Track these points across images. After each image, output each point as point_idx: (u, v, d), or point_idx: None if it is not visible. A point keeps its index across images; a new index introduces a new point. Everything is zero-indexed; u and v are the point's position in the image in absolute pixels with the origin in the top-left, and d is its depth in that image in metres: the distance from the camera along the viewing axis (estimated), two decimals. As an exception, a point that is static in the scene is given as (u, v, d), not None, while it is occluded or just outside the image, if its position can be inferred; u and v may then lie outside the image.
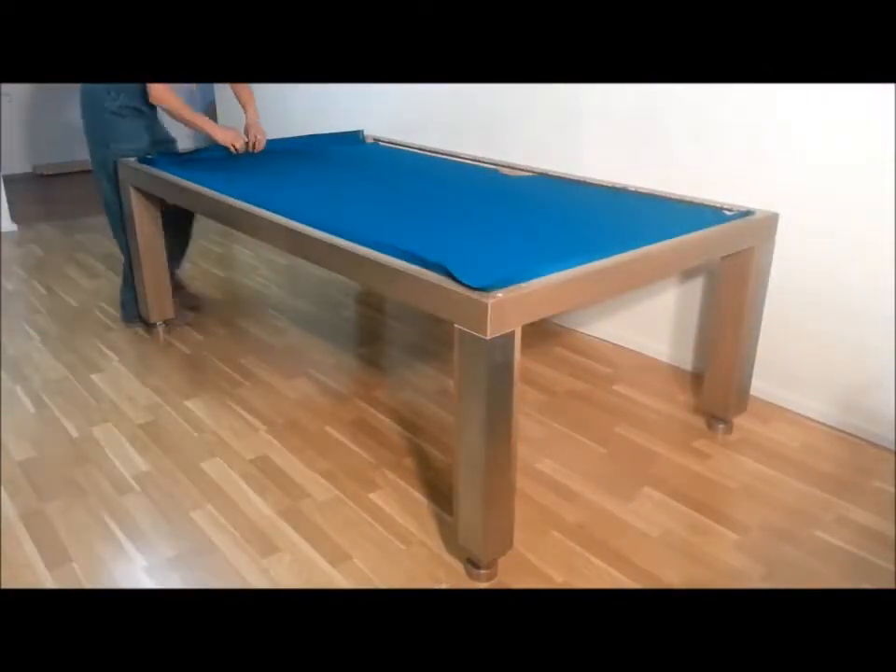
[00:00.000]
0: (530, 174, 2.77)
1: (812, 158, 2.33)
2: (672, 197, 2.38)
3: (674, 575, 1.86)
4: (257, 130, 3.04)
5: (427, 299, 1.69)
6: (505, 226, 2.10)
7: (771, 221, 2.23)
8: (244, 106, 3.13)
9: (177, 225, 3.23)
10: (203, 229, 4.75)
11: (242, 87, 3.15)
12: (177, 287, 3.32)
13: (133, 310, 3.23)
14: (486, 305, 1.52)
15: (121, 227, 3.10)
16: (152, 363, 2.96)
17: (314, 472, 2.26)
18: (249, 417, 2.57)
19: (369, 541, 1.98)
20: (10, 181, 5.48)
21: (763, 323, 2.42)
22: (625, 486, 2.20)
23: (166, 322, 3.18)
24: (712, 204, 2.29)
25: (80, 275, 3.96)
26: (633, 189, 2.48)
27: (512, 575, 1.86)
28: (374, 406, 2.64)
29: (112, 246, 4.41)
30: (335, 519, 2.06)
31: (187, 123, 2.96)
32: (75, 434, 2.47)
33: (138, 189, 2.93)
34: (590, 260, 1.78)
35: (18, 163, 5.98)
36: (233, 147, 2.95)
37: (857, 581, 1.84)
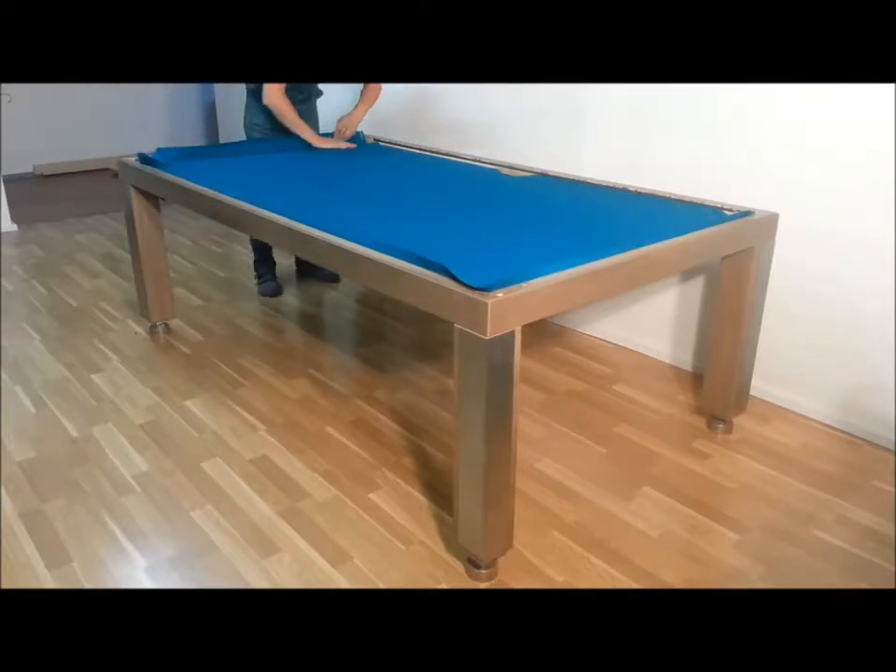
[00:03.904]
0: (530, 174, 2.77)
1: (812, 158, 2.33)
2: (672, 197, 2.38)
3: (674, 575, 1.86)
4: (348, 122, 3.35)
5: (427, 299, 1.69)
6: (505, 226, 2.10)
7: (771, 221, 2.23)
8: (358, 104, 3.39)
9: None
10: (203, 228, 4.76)
11: (370, 92, 3.39)
12: (314, 266, 3.74)
13: (268, 288, 3.67)
14: (486, 305, 1.52)
15: None
16: (152, 363, 2.96)
17: (314, 472, 2.26)
18: (249, 417, 2.57)
19: (369, 541, 1.98)
20: (10, 181, 5.48)
21: (763, 323, 2.42)
22: (625, 486, 2.20)
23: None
24: (712, 204, 2.29)
25: (80, 275, 3.96)
26: (633, 189, 2.48)
27: (512, 575, 1.86)
28: (374, 406, 2.64)
29: (113, 247, 4.43)
30: (335, 519, 2.06)
31: (290, 126, 3.21)
32: (75, 434, 2.47)
33: (138, 189, 2.93)
34: (590, 260, 1.78)
35: (18, 163, 5.99)
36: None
37: (857, 581, 1.84)
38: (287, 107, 3.17)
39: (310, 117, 3.45)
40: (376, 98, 3.39)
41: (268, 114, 3.27)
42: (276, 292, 3.66)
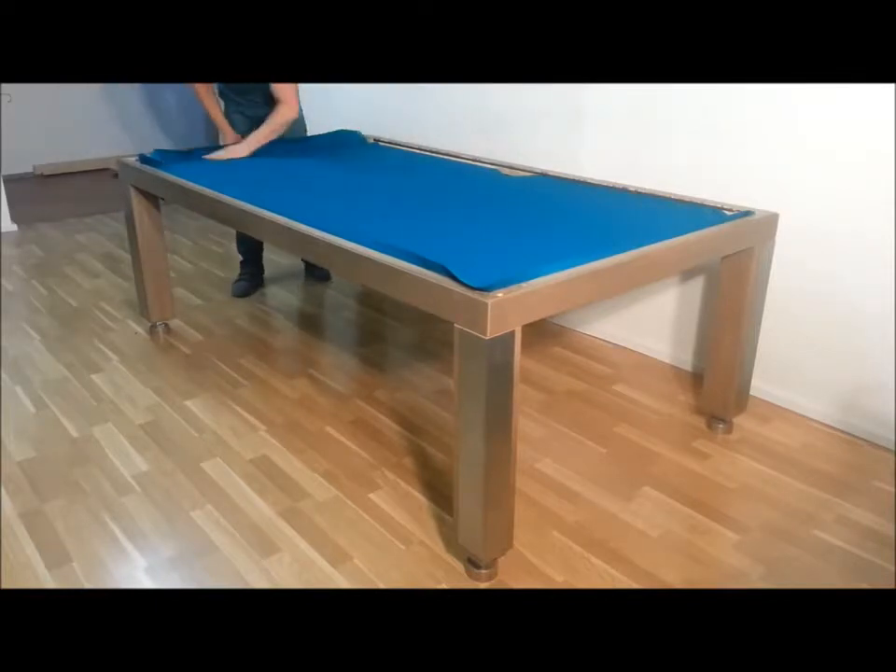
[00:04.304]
0: (530, 174, 2.77)
1: (812, 158, 2.33)
2: (672, 197, 2.38)
3: (674, 575, 1.86)
4: (232, 148, 3.06)
5: (427, 299, 1.69)
6: (505, 226, 2.10)
7: (771, 221, 2.23)
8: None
9: None
10: (203, 228, 4.76)
11: (270, 122, 3.09)
12: (315, 265, 3.81)
13: (238, 288, 3.68)
14: (486, 305, 1.52)
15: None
16: (152, 363, 2.96)
17: (314, 472, 2.26)
18: (249, 417, 2.57)
19: (369, 541, 1.98)
20: (10, 181, 5.48)
21: (763, 323, 2.42)
22: (625, 486, 2.20)
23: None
24: (712, 204, 2.29)
25: (80, 275, 3.96)
26: (633, 189, 2.48)
27: (512, 575, 1.86)
28: (374, 406, 2.64)
29: (113, 247, 4.43)
30: (335, 519, 2.06)
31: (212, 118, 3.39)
32: (75, 434, 2.47)
33: (138, 189, 2.93)
34: (590, 260, 1.78)
35: (18, 163, 5.98)
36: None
37: (857, 581, 1.84)
38: (203, 97, 3.32)
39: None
40: (266, 134, 3.07)
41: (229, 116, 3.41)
42: (244, 293, 3.67)
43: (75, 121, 6.18)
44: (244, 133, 3.25)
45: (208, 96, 3.33)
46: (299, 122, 3.47)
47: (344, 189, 2.57)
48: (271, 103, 3.18)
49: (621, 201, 2.37)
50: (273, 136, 3.09)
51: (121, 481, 2.23)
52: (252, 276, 3.74)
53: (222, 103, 3.43)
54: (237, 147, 3.07)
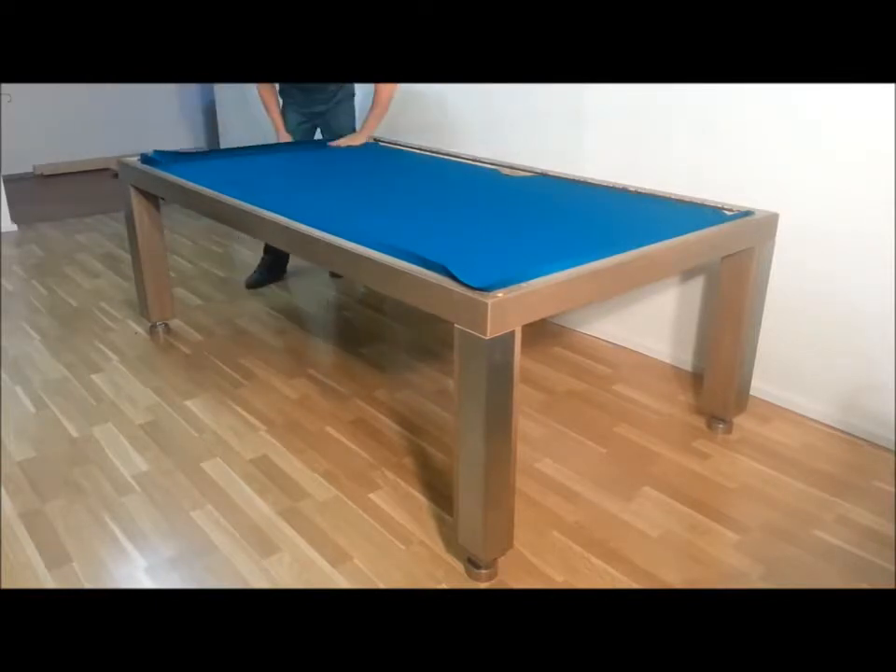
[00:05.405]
0: (530, 174, 2.77)
1: (812, 158, 2.33)
2: (672, 197, 2.38)
3: (674, 575, 1.86)
4: (347, 139, 3.32)
5: (427, 299, 1.69)
6: (505, 226, 2.10)
7: (771, 221, 2.23)
8: (365, 121, 3.37)
9: None
10: (203, 228, 4.76)
11: (374, 110, 3.32)
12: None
13: (256, 280, 3.77)
14: (486, 305, 1.52)
15: None
16: (152, 363, 2.96)
17: (314, 472, 2.26)
18: (249, 417, 2.57)
19: (369, 541, 1.98)
20: (10, 181, 5.48)
21: (763, 323, 2.42)
22: (625, 486, 2.20)
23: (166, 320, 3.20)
24: (712, 204, 2.29)
25: (80, 275, 3.96)
26: (633, 189, 2.48)
27: (512, 575, 1.86)
28: (374, 406, 2.64)
29: (113, 247, 4.42)
30: (335, 519, 2.06)
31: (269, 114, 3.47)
32: (75, 434, 2.47)
33: (138, 189, 2.93)
34: (590, 260, 1.78)
35: (18, 163, 5.99)
36: None
37: (857, 581, 1.84)
38: (266, 99, 3.39)
39: (332, 117, 3.49)
40: (383, 112, 3.34)
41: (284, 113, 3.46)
42: (253, 284, 3.75)
43: (75, 121, 6.19)
44: (292, 131, 3.41)
45: (269, 93, 3.38)
46: (343, 121, 3.55)
47: (344, 189, 2.57)
48: (330, 100, 3.41)
49: (621, 201, 2.37)
50: (383, 117, 3.31)
51: (121, 481, 2.23)
52: (268, 270, 3.79)
53: (281, 100, 3.47)
54: (357, 135, 3.32)
